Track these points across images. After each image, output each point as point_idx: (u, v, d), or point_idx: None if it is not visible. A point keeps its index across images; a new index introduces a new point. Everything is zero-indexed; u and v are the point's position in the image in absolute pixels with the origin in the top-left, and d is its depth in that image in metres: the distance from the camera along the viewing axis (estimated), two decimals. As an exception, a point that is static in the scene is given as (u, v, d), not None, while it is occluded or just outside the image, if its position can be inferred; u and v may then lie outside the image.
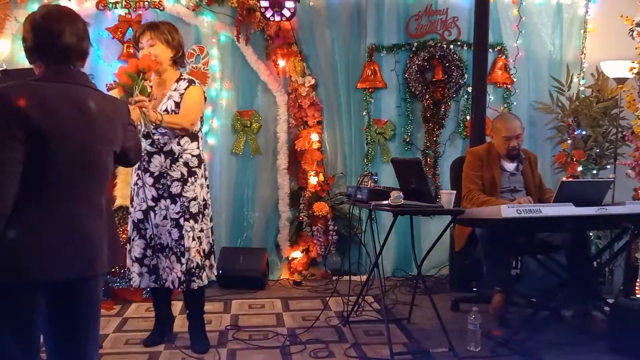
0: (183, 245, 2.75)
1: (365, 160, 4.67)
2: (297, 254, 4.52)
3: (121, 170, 3.96)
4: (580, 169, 4.29)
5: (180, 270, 2.75)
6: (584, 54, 4.78)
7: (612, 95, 4.31)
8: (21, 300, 1.49)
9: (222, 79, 4.55)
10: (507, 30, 4.74)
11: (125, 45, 4.35)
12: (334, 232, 4.51)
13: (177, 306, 3.48)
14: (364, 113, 4.67)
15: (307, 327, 3.24)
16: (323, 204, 4.49)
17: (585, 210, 2.82)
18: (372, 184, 3.21)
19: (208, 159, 4.34)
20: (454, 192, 3.03)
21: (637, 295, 3.56)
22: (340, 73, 4.65)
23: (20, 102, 1.45)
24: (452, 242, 4.02)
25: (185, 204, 2.77)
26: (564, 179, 3.82)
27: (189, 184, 2.78)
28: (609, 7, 4.53)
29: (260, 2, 4.24)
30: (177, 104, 2.76)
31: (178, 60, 2.86)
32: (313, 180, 4.54)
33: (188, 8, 4.43)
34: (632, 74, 3.93)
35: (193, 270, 2.77)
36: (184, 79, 2.83)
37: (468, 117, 4.55)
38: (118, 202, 3.93)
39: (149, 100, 2.59)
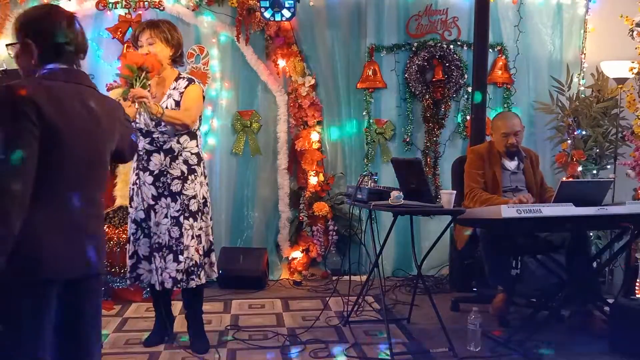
0: (182, 243, 2.74)
1: (365, 160, 4.67)
2: (297, 254, 4.52)
3: (121, 170, 3.96)
4: (580, 169, 4.30)
5: (176, 269, 2.74)
6: (584, 54, 4.78)
7: (612, 95, 4.32)
8: (38, 299, 1.50)
9: (222, 79, 4.55)
10: (507, 30, 4.74)
11: (125, 45, 4.35)
12: (334, 232, 4.51)
13: (177, 306, 3.48)
14: (364, 113, 4.67)
15: (307, 327, 3.24)
16: (323, 204, 4.49)
17: (585, 210, 2.82)
18: (372, 184, 3.21)
19: (208, 159, 4.34)
20: (454, 192, 3.03)
21: (637, 295, 3.57)
22: (340, 73, 4.65)
23: (35, 98, 1.45)
24: (452, 242, 4.02)
25: (185, 202, 2.77)
26: (564, 179, 3.83)
27: (188, 182, 2.78)
28: (609, 7, 4.53)
29: (260, 2, 4.24)
30: (177, 103, 2.76)
31: (177, 59, 2.86)
32: (313, 180, 4.54)
33: (188, 8, 4.43)
34: (632, 74, 3.93)
35: (192, 268, 2.77)
36: (183, 77, 2.83)
37: (468, 117, 4.55)
38: (118, 202, 3.93)
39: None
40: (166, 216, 2.76)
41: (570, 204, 2.80)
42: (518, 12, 4.71)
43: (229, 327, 3.29)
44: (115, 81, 4.24)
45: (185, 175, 2.78)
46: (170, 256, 2.75)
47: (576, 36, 4.81)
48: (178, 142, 2.76)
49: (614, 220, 3.00)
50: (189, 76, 2.88)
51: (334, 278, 4.26)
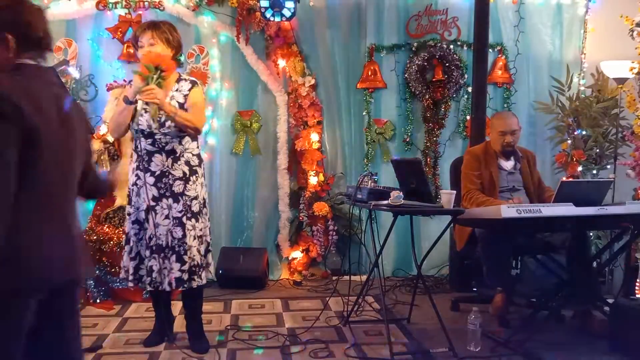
0: (185, 244, 2.74)
1: (365, 160, 4.67)
2: (297, 254, 4.52)
3: (121, 171, 3.96)
4: (580, 169, 4.29)
5: (180, 270, 2.74)
6: (584, 54, 4.78)
7: (612, 95, 4.31)
8: (26, 305, 1.44)
9: (222, 79, 4.55)
10: (507, 30, 4.74)
11: (126, 45, 4.35)
12: (334, 232, 4.51)
13: (177, 306, 3.48)
14: (364, 113, 4.67)
15: (307, 327, 3.24)
16: (323, 204, 4.49)
17: (585, 210, 2.81)
18: (372, 184, 3.21)
19: (208, 159, 4.35)
20: (454, 192, 3.03)
21: (637, 295, 3.57)
22: (340, 73, 4.65)
23: (14, 97, 1.33)
24: (452, 242, 4.02)
25: (188, 202, 2.77)
26: (564, 179, 3.82)
27: (190, 183, 2.79)
28: (609, 7, 4.53)
29: (260, 2, 4.24)
30: (181, 105, 2.76)
31: (177, 61, 2.86)
32: (313, 180, 4.54)
33: (188, 8, 4.43)
34: (632, 74, 3.93)
35: (194, 269, 2.77)
36: (185, 79, 2.84)
37: (468, 117, 4.55)
38: (118, 202, 3.93)
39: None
40: (167, 217, 2.75)
41: (570, 204, 2.80)
42: (518, 12, 4.71)
43: (229, 327, 3.29)
44: (115, 81, 4.24)
45: (187, 176, 2.78)
46: (174, 257, 2.74)
47: (576, 36, 4.81)
48: (180, 143, 2.76)
49: (614, 220, 3.00)
50: (191, 78, 2.88)
51: (334, 278, 4.26)
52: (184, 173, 2.77)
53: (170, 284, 2.74)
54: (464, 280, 4.11)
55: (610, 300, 3.19)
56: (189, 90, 2.79)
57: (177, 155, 2.76)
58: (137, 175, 2.78)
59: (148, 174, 2.74)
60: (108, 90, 4.19)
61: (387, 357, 2.79)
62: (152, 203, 2.74)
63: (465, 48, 4.67)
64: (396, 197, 2.83)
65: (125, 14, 4.36)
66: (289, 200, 4.62)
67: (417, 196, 2.92)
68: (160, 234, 2.75)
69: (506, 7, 4.72)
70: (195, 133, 2.78)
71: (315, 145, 4.55)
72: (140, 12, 4.37)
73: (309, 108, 4.54)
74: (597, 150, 4.35)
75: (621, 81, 4.11)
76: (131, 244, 2.81)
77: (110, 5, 4.34)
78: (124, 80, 4.19)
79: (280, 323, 3.39)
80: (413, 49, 4.64)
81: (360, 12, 4.64)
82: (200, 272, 2.81)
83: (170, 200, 2.75)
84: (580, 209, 2.80)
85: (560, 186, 2.87)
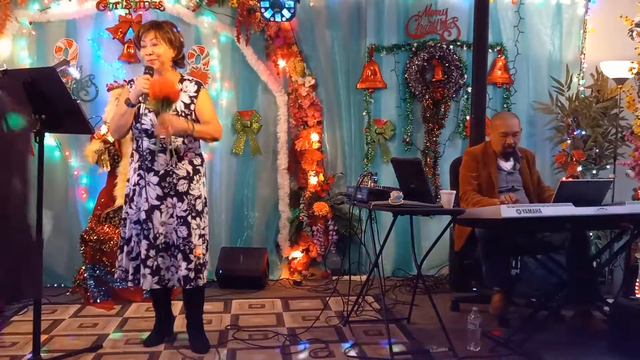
0: (191, 242, 2.75)
1: (365, 160, 4.67)
2: (297, 253, 4.52)
3: (121, 170, 3.97)
4: (580, 169, 4.30)
5: (187, 268, 2.74)
6: (584, 54, 4.78)
7: (612, 96, 4.32)
8: None
9: (222, 79, 4.55)
10: (507, 30, 4.75)
11: (126, 45, 4.36)
12: (334, 232, 4.52)
13: (177, 306, 3.48)
14: (364, 113, 4.67)
15: (307, 327, 3.24)
16: (323, 204, 4.49)
17: (585, 210, 2.82)
18: (372, 184, 3.21)
19: (208, 159, 4.35)
20: (454, 192, 3.03)
21: (637, 295, 3.57)
22: (340, 73, 4.66)
23: None
24: (452, 242, 4.02)
25: (192, 201, 2.78)
26: (564, 179, 3.83)
27: (194, 182, 2.80)
28: (608, 7, 4.54)
29: (261, 2, 4.24)
30: (187, 105, 2.77)
31: (179, 61, 2.87)
32: (313, 180, 4.55)
33: (188, 8, 4.43)
34: (632, 74, 3.94)
35: (199, 267, 2.79)
36: (190, 80, 2.85)
37: (468, 117, 4.55)
38: (118, 202, 3.93)
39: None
40: (172, 216, 2.76)
41: (570, 204, 2.80)
42: (518, 13, 4.72)
43: (229, 327, 3.29)
44: (115, 81, 4.25)
45: (191, 175, 2.79)
46: (180, 255, 2.75)
47: (576, 36, 4.81)
48: (183, 142, 2.77)
49: (614, 220, 3.00)
50: (196, 79, 2.90)
51: (334, 278, 4.27)
52: (188, 172, 2.78)
53: (179, 280, 2.75)
54: (464, 280, 4.11)
55: (610, 300, 3.19)
56: (196, 92, 2.81)
57: (181, 154, 2.77)
58: (139, 175, 2.77)
59: (151, 174, 2.75)
60: (108, 90, 4.19)
61: (387, 357, 2.79)
62: (157, 202, 2.75)
63: (465, 48, 4.67)
64: (396, 197, 2.83)
65: (126, 14, 4.36)
66: (289, 200, 4.63)
67: (417, 196, 2.92)
68: (167, 232, 2.75)
69: (506, 7, 4.72)
70: (212, 142, 2.88)
71: (315, 145, 4.55)
72: (140, 12, 4.37)
73: (309, 108, 4.54)
74: (597, 151, 4.35)
75: (621, 81, 4.12)
76: (132, 244, 2.80)
77: (111, 6, 4.35)
78: (124, 81, 4.19)
79: (280, 323, 3.39)
80: (413, 49, 4.65)
81: (360, 12, 4.64)
82: (204, 271, 2.83)
83: (175, 199, 2.75)
84: (580, 209, 2.80)
85: (560, 186, 2.87)
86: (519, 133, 3.44)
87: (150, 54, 2.71)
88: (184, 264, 2.74)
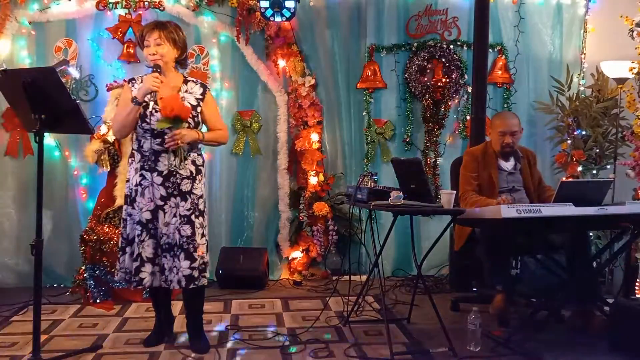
0: (195, 241, 2.76)
1: (365, 160, 4.67)
2: (297, 254, 4.52)
3: (121, 170, 3.96)
4: (580, 169, 4.29)
5: (190, 267, 2.74)
6: (584, 54, 4.78)
7: (612, 95, 4.32)
8: None
9: (222, 79, 4.55)
10: (507, 30, 4.75)
11: (126, 45, 4.36)
12: (334, 232, 4.52)
13: (177, 306, 3.48)
14: (364, 113, 4.67)
15: (307, 327, 3.24)
16: (323, 204, 4.49)
17: (585, 210, 2.81)
18: (372, 184, 3.21)
19: (208, 159, 4.35)
20: (454, 192, 3.03)
21: (637, 295, 3.57)
22: (340, 73, 4.66)
23: None
24: (452, 242, 4.02)
25: (195, 201, 2.79)
26: (564, 179, 3.82)
27: (197, 182, 2.81)
28: (609, 7, 4.54)
29: (261, 2, 4.24)
30: (194, 107, 2.78)
31: (182, 62, 2.88)
32: (313, 180, 4.55)
33: (188, 8, 4.43)
34: (632, 74, 3.93)
35: (202, 266, 2.80)
36: (194, 81, 2.87)
37: (468, 117, 4.55)
38: (118, 202, 3.93)
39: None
40: (175, 215, 2.75)
41: (570, 204, 2.80)
42: (518, 12, 4.72)
43: (229, 327, 3.29)
44: (115, 81, 4.25)
45: (194, 175, 2.80)
46: (183, 255, 2.74)
47: (576, 36, 4.81)
48: (188, 143, 2.77)
49: (614, 220, 3.00)
50: (200, 81, 2.91)
51: (334, 278, 4.27)
52: (191, 172, 2.79)
53: (179, 282, 2.74)
54: (464, 280, 4.11)
55: (610, 300, 3.19)
56: (202, 94, 2.83)
57: (185, 154, 2.77)
58: (142, 175, 2.77)
59: (155, 174, 2.74)
60: (108, 90, 4.19)
61: (387, 357, 2.79)
62: (161, 202, 2.75)
63: (465, 48, 4.67)
64: (396, 197, 2.83)
65: (125, 14, 4.36)
66: (289, 200, 4.62)
67: (417, 196, 2.92)
68: (170, 232, 2.75)
69: (506, 7, 4.72)
70: (217, 146, 2.98)
71: (315, 145, 4.55)
72: (140, 12, 4.37)
73: (309, 108, 4.54)
74: (597, 150, 4.35)
75: (621, 81, 4.11)
76: (134, 245, 2.78)
77: (110, 6, 4.35)
78: (124, 80, 4.19)
79: (280, 323, 3.39)
80: (413, 49, 4.64)
81: (360, 12, 4.64)
82: (206, 270, 2.84)
83: (178, 199, 2.75)
84: (580, 209, 2.80)
85: (560, 186, 2.87)
86: (517, 132, 3.44)
87: (154, 54, 2.72)
88: (186, 263, 2.74)
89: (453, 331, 2.96)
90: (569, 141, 4.40)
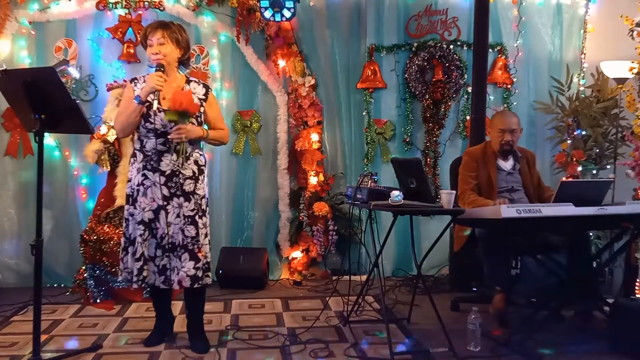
0: (199, 242, 2.76)
1: (365, 160, 4.67)
2: (297, 253, 4.52)
3: (121, 170, 3.97)
4: (580, 169, 4.29)
5: (195, 267, 2.75)
6: (584, 54, 4.78)
7: (612, 96, 4.31)
8: None
9: (222, 79, 4.55)
10: (507, 30, 4.75)
11: (126, 45, 4.36)
12: (334, 232, 4.52)
13: (177, 306, 3.48)
14: (364, 113, 4.67)
15: (307, 327, 3.24)
16: (323, 204, 4.49)
17: (585, 210, 2.81)
18: (372, 184, 3.21)
19: (208, 159, 4.33)
20: (454, 192, 3.03)
21: (637, 295, 3.57)
22: (340, 73, 4.66)
23: None
24: (452, 242, 4.02)
25: (198, 201, 2.79)
26: (564, 179, 3.82)
27: (199, 182, 2.81)
28: (609, 7, 4.54)
29: (260, 2, 4.24)
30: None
31: (184, 62, 2.88)
32: (313, 180, 4.55)
33: (188, 8, 4.43)
34: (632, 74, 3.93)
35: (206, 266, 2.80)
36: (196, 81, 2.87)
37: (468, 117, 4.55)
38: (118, 202, 3.93)
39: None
40: (178, 215, 2.76)
41: (570, 204, 2.80)
42: (518, 12, 4.72)
43: (229, 327, 3.29)
44: (115, 81, 4.25)
45: (197, 175, 2.81)
46: (186, 255, 2.75)
47: (576, 36, 4.81)
48: (190, 143, 2.77)
49: (614, 220, 3.00)
50: (203, 81, 2.92)
51: (334, 278, 4.27)
52: (194, 172, 2.80)
53: (179, 282, 2.75)
54: (464, 280, 4.11)
55: (610, 300, 3.19)
56: (205, 95, 2.85)
57: (187, 154, 2.77)
58: (144, 175, 2.77)
59: (157, 174, 2.74)
60: (108, 90, 4.19)
61: (387, 357, 2.79)
62: (163, 202, 2.75)
63: (465, 48, 4.67)
64: (396, 197, 2.83)
65: (125, 14, 4.36)
66: (289, 200, 4.63)
67: (417, 196, 2.92)
68: (173, 232, 2.75)
69: (506, 7, 4.72)
70: (218, 145, 3.01)
71: (315, 145, 4.55)
72: (140, 12, 4.37)
73: (309, 108, 4.54)
74: (597, 150, 4.35)
75: (621, 81, 4.11)
76: (136, 245, 2.78)
77: (110, 6, 4.34)
78: (124, 80, 4.19)
79: (280, 323, 3.39)
80: (413, 49, 4.65)
81: (360, 12, 4.64)
82: (210, 269, 2.85)
83: (182, 199, 2.75)
84: (580, 209, 2.80)
85: (560, 186, 2.87)
86: (517, 131, 3.43)
87: (157, 53, 2.72)
88: (191, 264, 2.74)
89: (453, 331, 2.96)
90: (569, 141, 4.40)
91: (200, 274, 2.77)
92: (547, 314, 3.22)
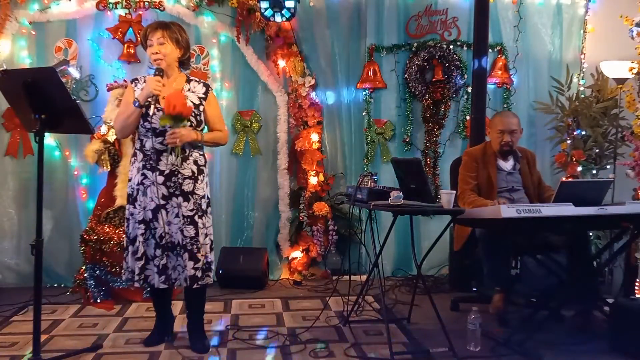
0: (198, 242, 2.76)
1: (365, 160, 4.67)
2: (297, 253, 4.52)
3: (121, 170, 3.97)
4: (580, 169, 4.30)
5: (194, 268, 2.75)
6: (584, 54, 4.79)
7: (612, 96, 4.32)
8: None
9: (222, 79, 4.55)
10: (507, 30, 4.75)
11: (126, 45, 4.36)
12: (334, 232, 4.52)
13: (177, 306, 3.48)
14: (364, 113, 4.67)
15: (307, 326, 3.24)
16: (323, 204, 4.49)
17: (585, 210, 2.81)
18: (372, 184, 3.21)
19: (208, 159, 4.33)
20: (454, 192, 3.03)
21: (637, 295, 3.57)
22: (340, 73, 4.66)
23: None
24: (452, 242, 4.02)
25: (198, 201, 2.79)
26: (564, 179, 3.82)
27: (199, 182, 2.81)
28: (609, 7, 4.54)
29: (261, 2, 4.24)
30: (196, 106, 2.79)
31: (184, 62, 2.88)
32: (313, 180, 4.55)
33: (188, 8, 4.43)
34: (632, 74, 3.94)
35: (206, 266, 2.80)
36: (196, 80, 2.87)
37: (468, 117, 4.55)
38: (118, 202, 3.93)
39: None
40: (177, 215, 2.76)
41: (570, 204, 2.80)
42: (518, 12, 4.72)
43: (229, 327, 3.29)
44: (115, 81, 4.25)
45: (196, 175, 2.80)
46: (186, 255, 2.75)
47: (576, 36, 4.82)
48: (189, 142, 2.77)
49: (614, 220, 3.00)
50: (203, 81, 2.92)
51: (334, 278, 4.27)
52: (193, 172, 2.79)
53: (185, 280, 2.75)
54: (464, 280, 4.11)
55: (610, 300, 3.19)
56: (204, 94, 2.84)
57: (186, 154, 2.77)
58: (143, 174, 2.77)
59: (157, 173, 2.74)
60: (108, 90, 4.19)
61: (387, 357, 2.79)
62: (162, 202, 2.75)
63: (465, 48, 4.67)
64: (396, 197, 2.83)
65: (126, 14, 4.36)
66: (289, 200, 4.63)
67: (417, 196, 2.92)
68: (173, 232, 2.75)
69: (506, 7, 4.73)
70: (216, 147, 3.02)
71: (315, 145, 4.55)
72: (140, 12, 4.37)
73: (309, 108, 4.54)
74: (597, 150, 4.35)
75: (621, 81, 4.11)
76: (137, 244, 2.78)
77: (111, 6, 4.35)
78: (124, 81, 4.20)
79: (280, 323, 3.39)
80: (413, 49, 4.65)
81: (360, 12, 4.64)
82: (211, 269, 2.85)
83: (180, 199, 2.75)
84: (580, 209, 2.80)
85: (560, 186, 2.87)
86: (517, 132, 3.44)
87: (157, 53, 2.72)
88: (190, 264, 2.74)
89: (453, 331, 2.96)
90: (568, 141, 4.40)
91: (199, 274, 2.77)
92: (547, 314, 3.22)
